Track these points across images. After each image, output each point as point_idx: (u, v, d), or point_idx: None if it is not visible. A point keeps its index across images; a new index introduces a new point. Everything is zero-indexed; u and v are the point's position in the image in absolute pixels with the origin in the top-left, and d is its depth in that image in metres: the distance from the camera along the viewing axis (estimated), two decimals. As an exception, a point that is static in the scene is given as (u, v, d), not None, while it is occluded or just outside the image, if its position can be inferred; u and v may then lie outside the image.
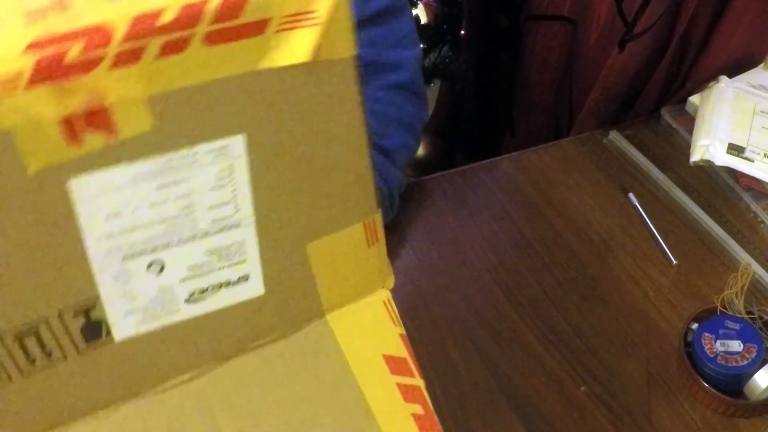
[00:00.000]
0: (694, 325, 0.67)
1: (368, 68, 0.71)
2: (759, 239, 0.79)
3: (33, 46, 0.30)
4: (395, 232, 0.79)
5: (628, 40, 0.95)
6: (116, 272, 0.36)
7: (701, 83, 0.96)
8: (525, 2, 1.08)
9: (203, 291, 0.38)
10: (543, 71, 1.11)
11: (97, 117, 0.31)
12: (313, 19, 0.33)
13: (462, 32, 1.22)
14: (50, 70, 0.30)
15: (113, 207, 0.34)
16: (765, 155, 0.86)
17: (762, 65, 0.99)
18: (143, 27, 0.31)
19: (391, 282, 0.44)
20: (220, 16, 0.32)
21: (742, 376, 0.63)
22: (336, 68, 0.35)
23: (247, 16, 0.32)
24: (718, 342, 0.64)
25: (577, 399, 0.65)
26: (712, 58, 0.96)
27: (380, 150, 0.72)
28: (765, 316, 0.67)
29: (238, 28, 0.32)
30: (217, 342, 0.40)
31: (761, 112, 0.90)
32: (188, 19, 0.31)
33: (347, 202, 0.40)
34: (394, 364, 0.42)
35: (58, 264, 0.34)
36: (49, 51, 0.30)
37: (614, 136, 0.93)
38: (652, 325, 0.71)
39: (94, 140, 0.32)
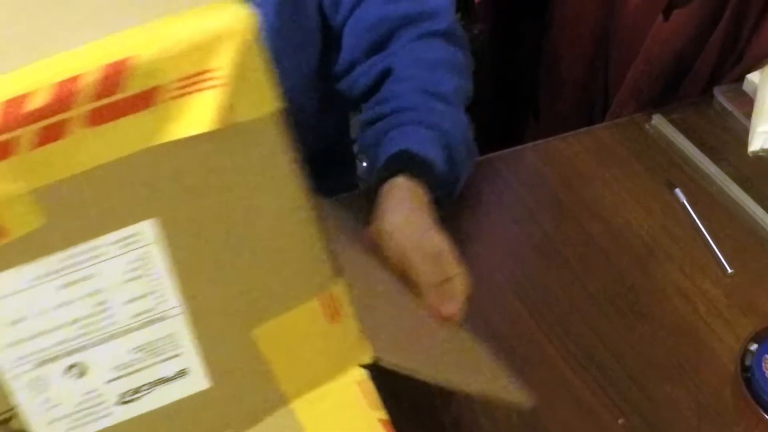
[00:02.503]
0: (754, 346, 0.67)
1: (405, 19, 0.78)
2: (830, 244, 0.80)
3: None
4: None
5: (674, 6, 0.95)
6: (30, 380, 0.37)
7: (761, 59, 0.96)
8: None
9: (135, 391, 0.40)
10: (573, 43, 1.11)
11: None
12: (213, 79, 0.34)
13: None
14: None
15: (16, 312, 0.36)
16: (837, 144, 0.86)
17: (834, 36, 0.99)
18: (13, 115, 0.31)
19: (366, 357, 0.44)
20: (99, 91, 0.32)
21: (810, 407, 0.63)
22: (251, 130, 0.36)
23: (130, 88, 0.33)
24: (782, 367, 0.65)
25: (614, 434, 0.65)
26: (775, 27, 0.97)
27: (437, 96, 0.76)
28: (837, 336, 0.68)
29: (122, 103, 0.33)
30: None
31: (833, 92, 0.90)
32: (62, 100, 0.32)
33: (294, 278, 0.41)
34: None
35: None
36: None
37: (658, 120, 0.93)
38: (703, 346, 0.71)
39: None
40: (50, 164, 0.33)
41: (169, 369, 0.40)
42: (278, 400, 0.43)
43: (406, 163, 0.68)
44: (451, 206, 0.75)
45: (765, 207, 0.83)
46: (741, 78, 0.97)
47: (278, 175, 0.38)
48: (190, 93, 0.34)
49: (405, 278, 0.61)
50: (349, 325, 0.44)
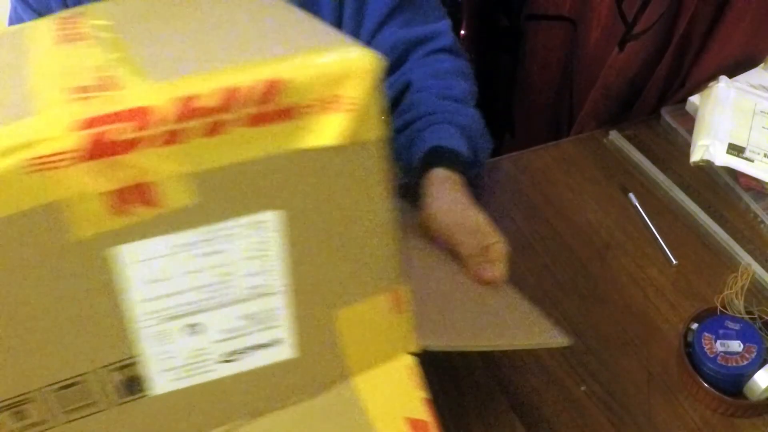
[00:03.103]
0: (694, 325, 0.67)
1: (416, 40, 0.78)
2: (759, 239, 0.80)
3: (81, 125, 0.32)
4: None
5: (628, 39, 0.95)
6: (155, 333, 0.38)
7: (701, 83, 0.96)
8: (525, 2, 1.08)
9: (236, 352, 0.41)
10: (543, 71, 1.11)
11: (141, 191, 0.34)
12: (344, 104, 0.36)
13: (462, 32, 1.22)
14: (98, 148, 0.32)
15: (154, 274, 0.37)
16: (765, 155, 0.86)
17: (762, 65, 0.99)
18: (186, 110, 0.33)
19: (415, 347, 0.46)
20: (256, 101, 0.34)
21: (742, 376, 0.63)
22: (365, 150, 0.38)
23: (280, 102, 0.35)
24: (718, 342, 0.64)
25: (577, 399, 0.65)
26: (712, 58, 0.96)
27: (452, 99, 0.76)
28: (765, 316, 0.67)
29: (272, 112, 0.35)
30: (248, 400, 0.42)
31: (761, 112, 0.90)
32: (226, 103, 0.34)
33: (373, 274, 0.42)
34: (416, 427, 0.44)
35: (100, 324, 0.37)
36: (96, 130, 0.32)
37: (614, 136, 0.93)
38: (652, 325, 0.71)
39: (138, 212, 0.34)
40: (208, 154, 0.34)
41: (265, 337, 0.41)
42: (342, 374, 0.44)
43: (440, 157, 0.69)
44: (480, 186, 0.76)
45: (704, 208, 0.83)
46: (684, 100, 0.97)
47: (376, 188, 0.40)
48: (324, 112, 0.36)
49: (453, 253, 0.62)
50: (407, 319, 0.45)
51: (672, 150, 0.91)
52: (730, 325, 0.66)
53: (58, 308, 0.36)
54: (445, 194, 0.65)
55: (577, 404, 0.65)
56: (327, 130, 0.36)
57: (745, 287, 0.70)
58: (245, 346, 0.41)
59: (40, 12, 0.71)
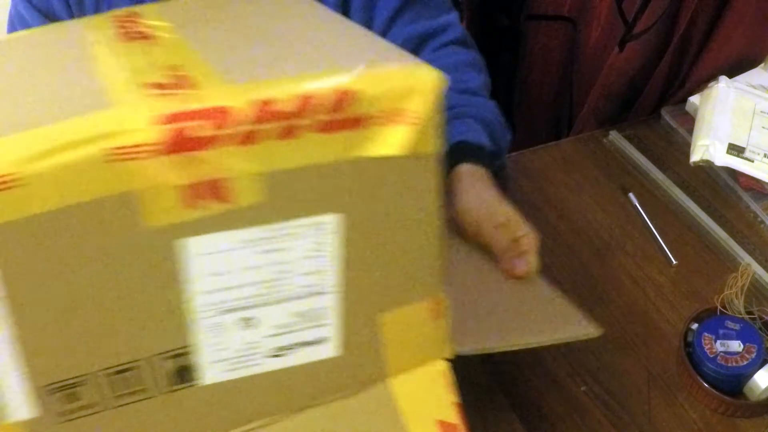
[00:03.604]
0: (694, 325, 0.67)
1: (426, 34, 0.78)
2: (759, 239, 0.79)
3: (162, 119, 0.34)
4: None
5: (628, 40, 0.95)
6: (211, 325, 0.39)
7: (701, 83, 0.96)
8: (525, 2, 1.08)
9: (284, 348, 0.42)
10: (543, 71, 1.11)
11: (214, 187, 0.35)
12: (408, 118, 0.37)
13: (462, 32, 1.22)
14: (177, 143, 0.34)
15: (217, 267, 0.38)
16: (765, 155, 0.86)
17: (762, 65, 0.99)
18: (263, 112, 0.35)
19: (449, 353, 0.47)
20: (329, 108, 0.36)
21: (742, 376, 0.63)
22: (421, 163, 0.39)
23: (350, 111, 0.36)
24: (718, 342, 0.64)
25: (577, 399, 0.65)
26: (712, 58, 0.96)
27: (469, 92, 0.76)
28: (765, 316, 0.67)
29: (342, 120, 0.36)
30: (290, 395, 0.43)
31: (761, 112, 0.90)
32: (302, 108, 0.35)
33: (418, 281, 0.44)
34: (446, 429, 0.45)
35: (159, 312, 0.38)
36: (177, 125, 0.34)
37: (614, 136, 0.93)
38: (652, 325, 0.71)
39: (208, 206, 0.36)
40: (279, 155, 0.36)
41: (312, 335, 0.42)
42: (380, 375, 0.46)
43: (464, 152, 0.69)
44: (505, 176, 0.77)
45: (704, 208, 0.83)
46: (684, 100, 0.97)
47: (429, 199, 0.41)
48: (389, 124, 0.37)
49: (485, 248, 0.62)
50: (444, 326, 0.46)
51: (672, 150, 0.91)
52: (730, 325, 0.66)
53: (121, 294, 0.37)
54: (473, 190, 0.65)
55: (577, 404, 0.65)
56: (390, 141, 0.37)
57: (745, 287, 0.70)
58: (293, 342, 0.42)
59: (41, 10, 0.71)
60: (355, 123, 0.36)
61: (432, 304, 0.45)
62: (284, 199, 0.37)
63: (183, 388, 0.41)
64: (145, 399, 0.40)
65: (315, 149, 0.36)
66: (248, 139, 0.35)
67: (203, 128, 0.34)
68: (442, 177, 0.41)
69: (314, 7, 0.55)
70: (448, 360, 0.47)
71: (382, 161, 0.38)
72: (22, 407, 0.38)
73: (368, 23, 0.78)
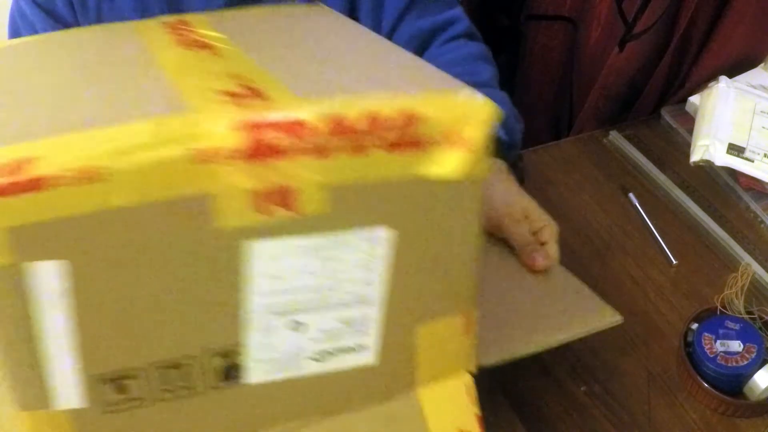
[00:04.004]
0: (694, 325, 0.67)
1: (434, 28, 0.79)
2: (759, 239, 0.79)
3: (243, 126, 0.35)
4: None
5: (628, 40, 0.95)
6: (263, 325, 0.40)
7: (701, 83, 0.96)
8: (525, 2, 1.08)
9: (326, 353, 0.43)
10: (543, 71, 1.11)
11: (283, 194, 0.37)
12: (465, 142, 0.39)
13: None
14: (256, 151, 0.35)
15: (276, 270, 0.39)
16: (765, 155, 0.86)
17: (762, 65, 0.99)
18: (337, 128, 0.36)
19: (474, 367, 0.49)
20: (397, 128, 0.38)
21: (742, 376, 0.63)
22: (470, 186, 0.41)
23: (416, 132, 0.38)
24: (718, 342, 0.64)
25: (577, 399, 0.65)
26: (712, 58, 0.96)
27: (480, 85, 0.77)
28: (765, 316, 0.67)
29: (407, 141, 0.38)
30: (325, 399, 0.45)
31: (761, 112, 0.90)
32: (373, 127, 0.37)
33: (455, 296, 0.45)
34: None
35: (214, 310, 0.39)
36: (257, 133, 0.35)
37: (614, 136, 0.93)
38: (652, 325, 0.71)
39: (276, 213, 0.37)
40: (347, 170, 0.37)
41: (354, 341, 0.43)
42: (410, 384, 0.47)
43: None
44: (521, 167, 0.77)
45: (704, 208, 0.83)
46: (684, 100, 0.97)
47: (473, 220, 0.43)
48: (448, 147, 0.39)
49: (506, 242, 0.64)
50: (472, 340, 0.48)
51: (672, 150, 0.91)
52: (730, 325, 0.66)
53: (183, 290, 0.38)
54: (492, 185, 0.66)
55: (577, 404, 0.65)
56: (447, 164, 0.39)
57: (745, 287, 0.70)
58: (335, 348, 0.43)
59: (43, 7, 0.71)
60: (418, 144, 0.38)
61: (464, 319, 0.46)
62: (345, 210, 0.39)
63: (227, 386, 0.42)
64: (189, 395, 0.41)
65: (379, 166, 0.38)
66: (321, 152, 0.36)
67: (280, 138, 0.36)
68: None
69: (349, 23, 0.58)
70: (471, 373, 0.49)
71: (436, 182, 0.40)
72: (71, 396, 0.38)
73: (377, 20, 0.78)
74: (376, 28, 0.78)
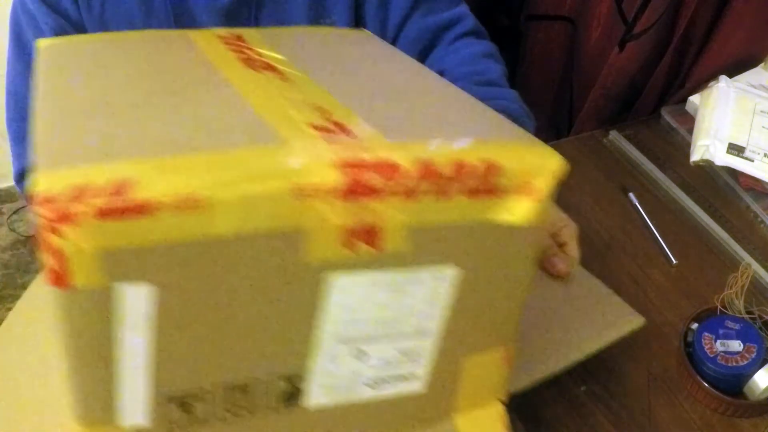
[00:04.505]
0: (694, 325, 0.67)
1: (440, 26, 0.79)
2: (759, 239, 0.79)
3: (341, 164, 0.37)
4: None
5: (628, 40, 0.95)
6: (329, 353, 0.42)
7: (701, 83, 0.96)
8: (525, 2, 1.08)
9: (381, 380, 0.44)
10: (543, 71, 1.11)
11: (369, 232, 0.38)
12: (534, 192, 0.41)
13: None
14: (352, 190, 0.37)
15: (351, 302, 0.40)
16: (765, 155, 0.86)
17: (762, 65, 0.99)
18: (426, 172, 0.38)
19: (506, 396, 0.51)
20: (478, 176, 0.39)
21: (742, 376, 0.63)
22: (532, 233, 0.43)
23: (494, 180, 0.40)
24: (718, 342, 0.64)
25: (577, 399, 0.65)
26: (712, 58, 0.96)
27: (490, 83, 0.77)
28: (765, 316, 0.67)
29: (487, 188, 0.40)
30: (374, 423, 0.46)
31: (761, 112, 0.90)
32: (458, 174, 0.39)
33: (500, 330, 0.47)
34: None
35: (288, 336, 0.40)
36: (354, 173, 0.37)
37: (614, 136, 0.93)
38: (652, 325, 0.71)
39: (361, 249, 0.38)
40: (431, 212, 0.39)
41: (408, 370, 0.45)
42: (450, 411, 0.49)
43: None
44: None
45: (704, 208, 0.83)
46: (684, 100, 0.97)
47: (529, 264, 0.45)
48: (519, 196, 0.41)
49: None
50: (509, 371, 0.50)
51: (672, 150, 0.91)
52: (730, 324, 0.66)
53: (262, 317, 0.39)
54: None
55: (577, 404, 0.65)
56: (517, 211, 0.41)
57: (745, 287, 0.70)
58: (390, 375, 0.44)
59: (48, 3, 0.71)
60: (495, 191, 0.40)
61: (505, 352, 0.48)
62: (422, 249, 0.40)
63: (286, 409, 0.42)
64: (249, 416, 0.41)
65: (459, 210, 0.40)
66: (409, 194, 0.38)
67: (375, 179, 0.37)
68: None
69: (397, 52, 0.60)
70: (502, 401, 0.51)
71: (506, 228, 0.41)
72: (136, 414, 0.39)
73: (383, 19, 0.78)
74: (383, 27, 0.78)
